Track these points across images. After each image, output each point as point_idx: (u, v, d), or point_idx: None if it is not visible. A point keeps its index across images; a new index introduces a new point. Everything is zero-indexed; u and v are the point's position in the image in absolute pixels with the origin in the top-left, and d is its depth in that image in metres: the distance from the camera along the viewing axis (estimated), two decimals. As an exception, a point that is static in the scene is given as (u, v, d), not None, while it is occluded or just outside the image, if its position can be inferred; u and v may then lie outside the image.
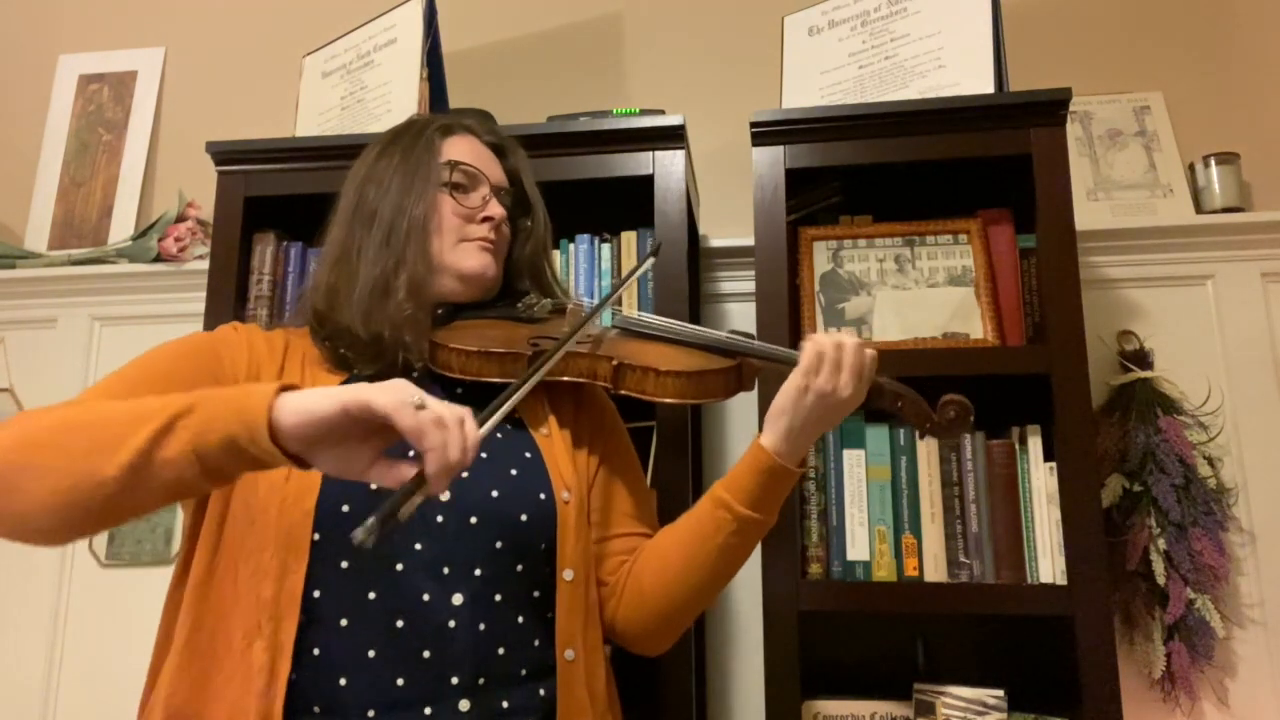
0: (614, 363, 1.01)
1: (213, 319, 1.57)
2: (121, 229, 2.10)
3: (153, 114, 2.19)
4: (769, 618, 1.36)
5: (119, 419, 0.77)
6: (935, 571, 1.39)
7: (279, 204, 1.61)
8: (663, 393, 1.01)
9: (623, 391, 1.02)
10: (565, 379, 1.04)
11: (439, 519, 0.93)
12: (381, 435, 0.75)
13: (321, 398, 0.74)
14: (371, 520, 0.70)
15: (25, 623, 1.90)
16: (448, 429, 0.73)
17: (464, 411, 0.76)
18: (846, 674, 1.53)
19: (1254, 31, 1.86)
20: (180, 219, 2.01)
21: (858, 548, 1.41)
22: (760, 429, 1.02)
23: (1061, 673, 1.39)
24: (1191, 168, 1.78)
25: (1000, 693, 1.36)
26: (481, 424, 0.79)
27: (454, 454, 0.73)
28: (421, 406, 0.73)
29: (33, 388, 2.02)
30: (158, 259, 2.00)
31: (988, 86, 1.49)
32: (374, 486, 0.86)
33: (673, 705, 1.34)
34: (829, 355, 0.97)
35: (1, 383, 2.04)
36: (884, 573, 1.39)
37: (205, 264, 1.68)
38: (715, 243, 1.84)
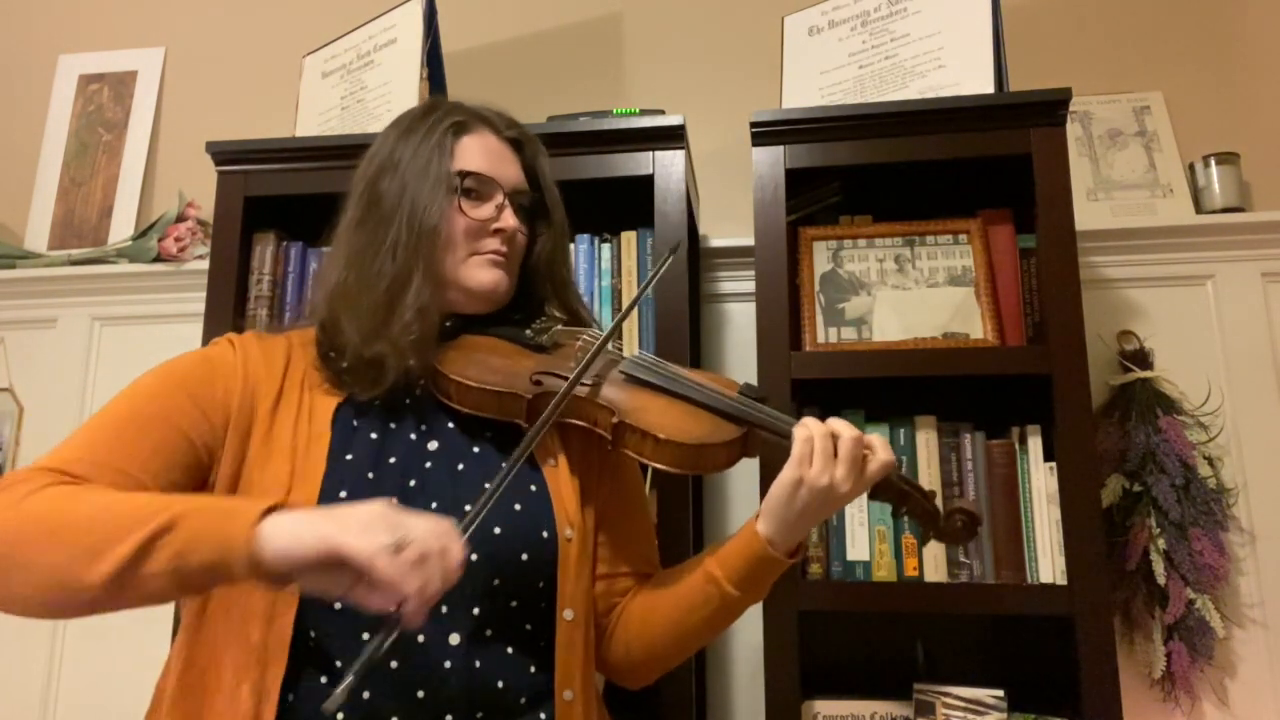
0: (615, 419, 0.97)
1: (213, 319, 1.57)
2: (121, 229, 2.11)
3: (153, 114, 2.19)
4: (769, 618, 1.36)
5: (105, 522, 0.77)
6: (935, 571, 1.39)
7: (279, 204, 1.61)
8: (660, 460, 0.95)
9: (620, 449, 0.98)
10: (567, 420, 1.00)
11: None
12: None
13: (300, 536, 0.74)
14: (340, 689, 0.71)
15: (25, 623, 1.90)
16: (427, 566, 0.73)
17: (447, 533, 0.76)
18: (846, 674, 1.53)
19: (1254, 31, 1.86)
20: (180, 219, 2.01)
21: (858, 548, 1.41)
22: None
23: (1061, 673, 1.39)
24: (1191, 168, 1.78)
25: (1000, 693, 1.36)
26: (466, 529, 0.80)
27: (433, 589, 0.74)
28: (401, 547, 0.72)
29: (33, 388, 2.03)
30: (158, 259, 2.00)
31: (988, 86, 1.49)
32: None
33: (673, 705, 1.34)
34: (819, 446, 0.92)
35: (1, 383, 2.04)
36: (884, 573, 1.39)
37: (205, 264, 1.68)
38: (715, 243, 1.84)
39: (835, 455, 0.93)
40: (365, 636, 0.87)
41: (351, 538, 0.72)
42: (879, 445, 0.95)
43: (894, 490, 0.98)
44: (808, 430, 0.94)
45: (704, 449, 0.96)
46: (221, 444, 0.93)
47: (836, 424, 0.95)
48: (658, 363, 1.05)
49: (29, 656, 1.89)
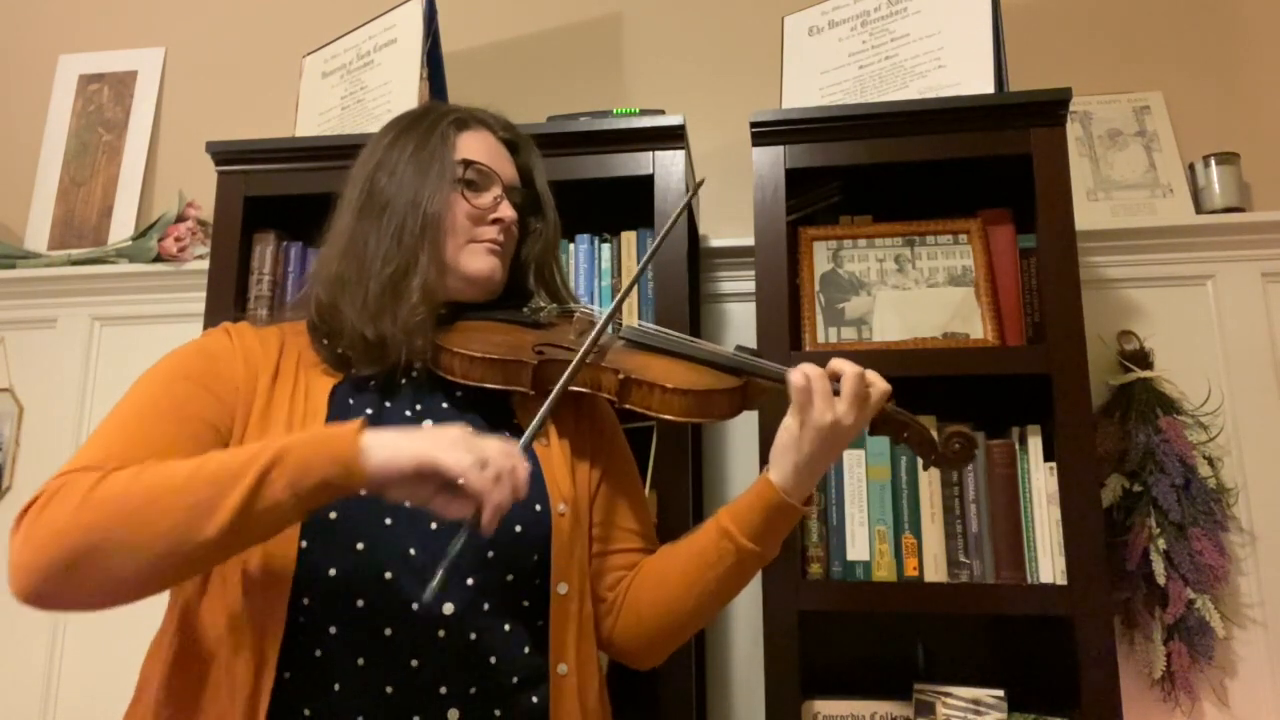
0: (620, 376, 0.99)
1: (213, 319, 1.57)
2: (121, 229, 2.10)
3: (153, 114, 2.19)
4: (769, 618, 1.36)
5: (201, 481, 0.79)
6: (935, 571, 1.39)
7: (279, 204, 1.61)
8: (668, 410, 0.98)
9: (627, 406, 1.00)
10: (572, 388, 1.01)
11: (433, 526, 0.92)
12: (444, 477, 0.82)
13: (399, 451, 0.81)
14: (437, 579, 0.80)
15: (25, 622, 1.90)
16: (503, 483, 0.81)
17: (518, 456, 0.84)
18: (846, 674, 1.53)
19: (1254, 32, 1.86)
20: (180, 219, 2.02)
21: (858, 548, 1.41)
22: (760, 427, 1.01)
23: (1061, 673, 1.39)
24: (1191, 168, 1.78)
25: (1000, 693, 1.36)
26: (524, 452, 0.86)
27: (507, 500, 0.82)
28: (485, 464, 0.80)
29: (33, 388, 2.03)
30: (158, 259, 2.00)
31: (988, 86, 1.49)
32: (363, 493, 0.88)
33: (673, 704, 1.34)
34: (818, 387, 0.94)
35: (1, 383, 2.04)
36: (884, 573, 1.39)
37: (205, 264, 1.69)
38: (715, 243, 1.84)
39: (837, 393, 0.95)
40: (359, 604, 0.89)
41: (444, 454, 0.80)
42: (874, 376, 0.97)
43: (893, 423, 1.01)
44: (803, 374, 0.95)
45: (710, 395, 0.98)
46: (233, 424, 0.94)
47: (838, 363, 0.96)
48: (655, 328, 1.09)
49: (29, 656, 1.89)
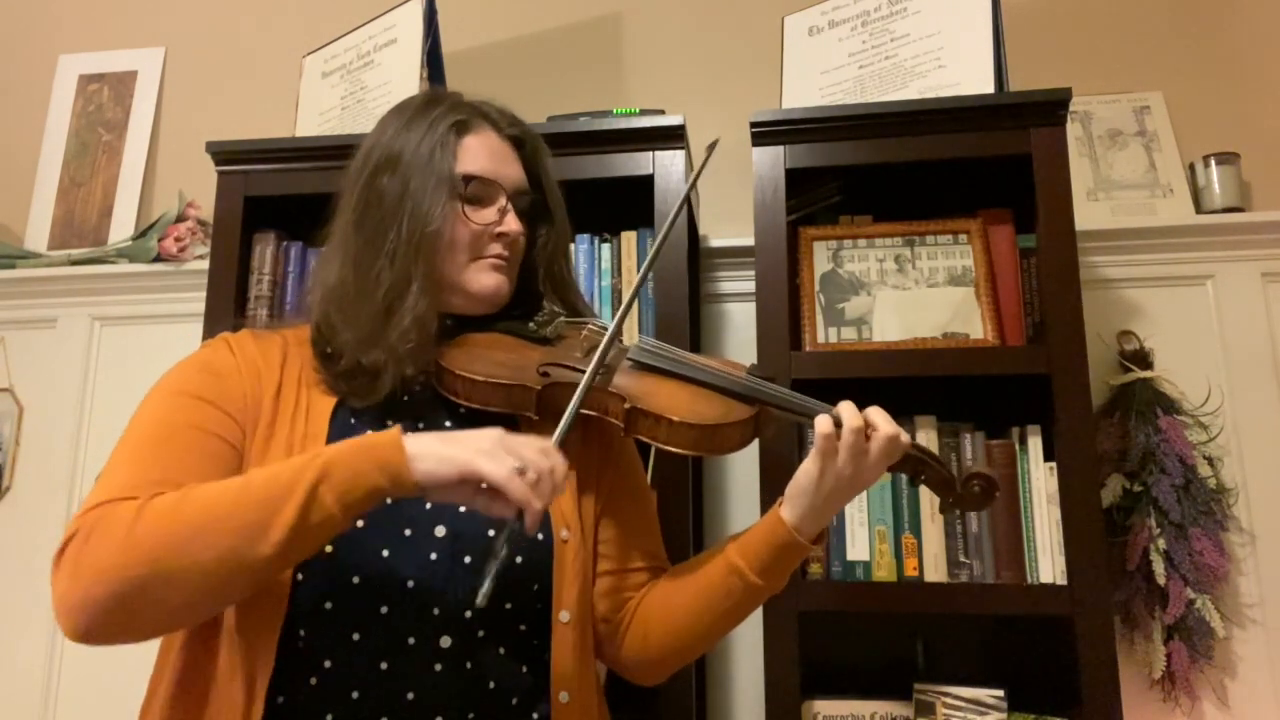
0: (626, 405, 0.97)
1: (213, 319, 1.57)
2: (121, 229, 2.10)
3: (153, 114, 2.19)
4: (769, 618, 1.36)
5: (250, 503, 0.79)
6: (935, 571, 1.39)
7: (279, 204, 1.61)
8: (675, 443, 0.96)
9: (634, 436, 0.98)
10: (579, 411, 0.98)
11: (432, 556, 0.91)
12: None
13: (442, 462, 0.81)
14: (486, 585, 0.81)
15: (25, 622, 1.90)
16: (543, 485, 0.82)
17: (555, 455, 0.85)
18: (846, 674, 1.53)
19: (1254, 31, 1.86)
20: (180, 219, 2.01)
21: (858, 548, 1.41)
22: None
23: (1061, 673, 1.39)
24: (1191, 168, 1.78)
25: (1000, 693, 1.36)
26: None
27: (549, 502, 0.83)
28: (523, 469, 0.81)
29: (33, 388, 2.03)
30: (158, 259, 2.00)
31: (988, 86, 1.49)
32: (360, 524, 0.88)
33: (673, 704, 1.34)
34: (849, 441, 0.92)
35: (1, 383, 2.04)
36: (884, 573, 1.39)
37: (205, 264, 1.69)
38: (715, 243, 1.84)
39: (865, 450, 0.92)
40: (355, 638, 0.88)
41: (485, 463, 0.80)
42: (886, 423, 0.94)
43: (911, 461, 0.98)
44: (829, 425, 0.93)
45: (718, 429, 0.96)
46: (244, 439, 0.93)
47: (874, 416, 0.94)
48: (663, 347, 1.05)
49: (29, 656, 1.89)
